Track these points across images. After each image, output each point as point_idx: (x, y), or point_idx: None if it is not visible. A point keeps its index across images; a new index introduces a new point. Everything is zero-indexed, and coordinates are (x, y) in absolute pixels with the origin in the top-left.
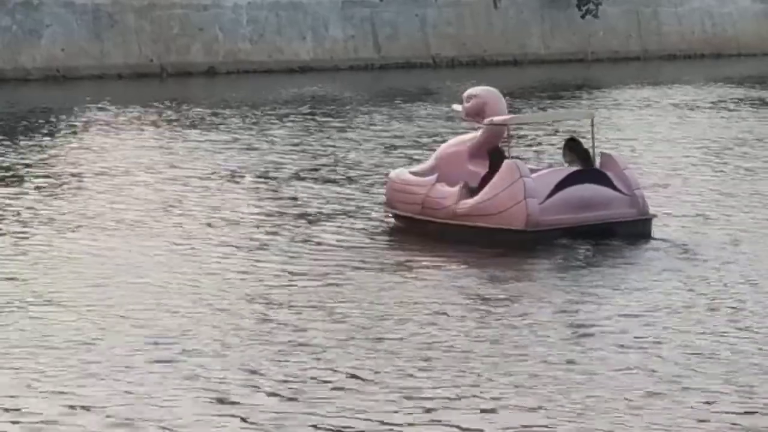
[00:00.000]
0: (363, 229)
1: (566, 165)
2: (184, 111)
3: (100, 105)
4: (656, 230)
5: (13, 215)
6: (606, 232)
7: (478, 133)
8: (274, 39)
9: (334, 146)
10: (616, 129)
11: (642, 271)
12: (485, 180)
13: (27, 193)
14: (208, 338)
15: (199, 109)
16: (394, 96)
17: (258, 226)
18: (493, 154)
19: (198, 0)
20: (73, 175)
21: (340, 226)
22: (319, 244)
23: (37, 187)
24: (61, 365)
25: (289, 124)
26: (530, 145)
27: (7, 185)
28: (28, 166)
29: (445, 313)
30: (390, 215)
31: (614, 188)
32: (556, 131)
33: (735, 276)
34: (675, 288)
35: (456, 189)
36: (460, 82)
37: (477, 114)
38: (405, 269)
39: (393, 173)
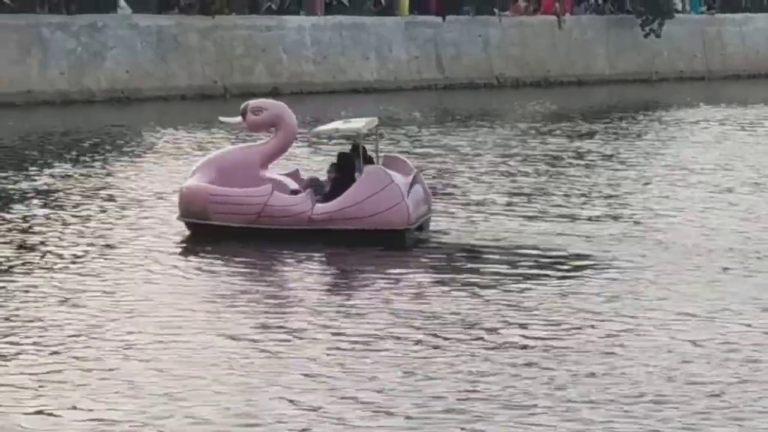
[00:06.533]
0: None
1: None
2: (245, 132)
3: (164, 126)
4: None
5: (72, 236)
6: (419, 227)
7: (268, 142)
8: (337, 60)
9: None
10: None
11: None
12: (339, 184)
13: (87, 214)
14: None
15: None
16: (457, 116)
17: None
18: (345, 160)
19: (261, 21)
20: (130, 198)
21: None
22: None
23: (94, 209)
24: None
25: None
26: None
27: (68, 206)
28: (89, 188)
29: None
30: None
31: (423, 188)
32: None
33: None
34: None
35: (303, 195)
36: (525, 102)
37: (271, 125)
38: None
39: (187, 183)
